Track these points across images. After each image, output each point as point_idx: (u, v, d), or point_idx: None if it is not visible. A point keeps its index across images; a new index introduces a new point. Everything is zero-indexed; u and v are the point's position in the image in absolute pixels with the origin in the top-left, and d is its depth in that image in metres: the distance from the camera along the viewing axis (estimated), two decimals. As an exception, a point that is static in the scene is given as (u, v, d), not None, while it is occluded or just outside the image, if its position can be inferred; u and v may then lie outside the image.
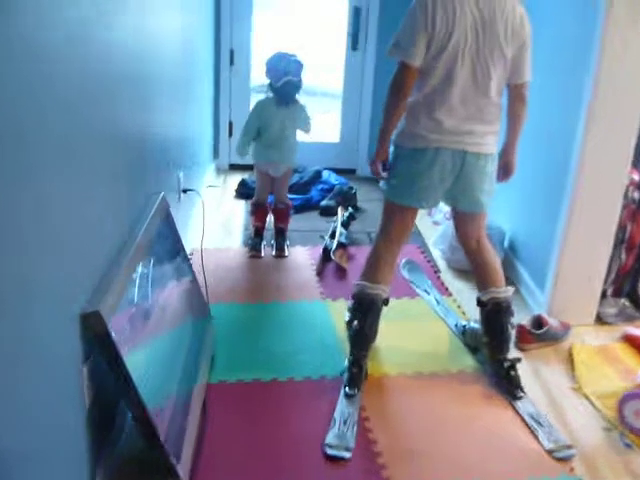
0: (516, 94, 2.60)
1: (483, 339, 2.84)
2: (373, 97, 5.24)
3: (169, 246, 2.64)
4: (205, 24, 4.58)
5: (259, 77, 5.28)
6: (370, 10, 5.08)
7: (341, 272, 3.71)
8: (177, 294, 2.69)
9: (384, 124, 2.58)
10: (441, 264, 3.94)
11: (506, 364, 2.76)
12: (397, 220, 2.73)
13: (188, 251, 3.74)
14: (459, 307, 3.43)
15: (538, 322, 3.15)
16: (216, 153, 5.29)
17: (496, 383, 2.79)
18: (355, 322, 2.70)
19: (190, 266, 2.92)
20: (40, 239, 1.43)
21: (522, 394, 2.70)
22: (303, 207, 4.56)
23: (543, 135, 3.35)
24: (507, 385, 2.74)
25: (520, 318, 3.09)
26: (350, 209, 4.28)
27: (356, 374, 2.67)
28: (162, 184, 2.98)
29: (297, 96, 3.71)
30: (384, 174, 2.68)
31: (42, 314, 1.47)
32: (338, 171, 5.23)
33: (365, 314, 2.70)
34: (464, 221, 2.77)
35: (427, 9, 2.39)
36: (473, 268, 2.86)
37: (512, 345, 2.86)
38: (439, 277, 3.75)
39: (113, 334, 1.78)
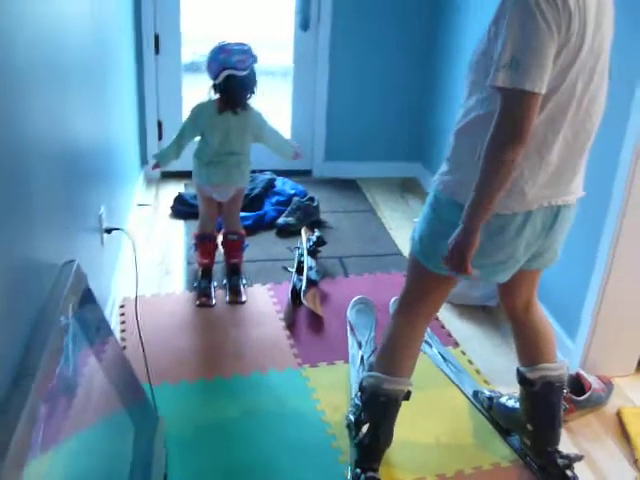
0: None
1: (526, 425, 2.14)
2: (329, 85, 4.43)
3: (89, 346, 1.83)
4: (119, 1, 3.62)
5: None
6: (322, -18, 4.21)
7: (316, 319, 2.93)
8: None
9: (488, 193, 1.61)
10: (434, 296, 3.20)
11: (561, 461, 2.08)
12: (434, 292, 1.99)
13: (119, 302, 2.93)
14: (470, 362, 2.72)
15: (577, 382, 2.49)
16: (144, 160, 4.39)
17: (545, 482, 2.12)
18: (366, 426, 1.98)
19: (123, 358, 2.10)
20: None
21: (584, 503, 2.03)
22: (256, 227, 3.73)
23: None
24: (563, 490, 2.06)
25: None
26: (317, 231, 3.48)
27: (367, 499, 1.94)
28: (74, 232, 2.14)
29: (249, 99, 2.87)
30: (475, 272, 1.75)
31: None
32: (290, 173, 4.43)
33: (381, 417, 2.00)
34: (517, 279, 1.99)
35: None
36: (517, 337, 2.15)
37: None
38: (437, 317, 3.01)
39: None
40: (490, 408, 2.38)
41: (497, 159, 1.57)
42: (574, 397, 2.42)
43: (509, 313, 2.12)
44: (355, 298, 3.01)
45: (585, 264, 2.59)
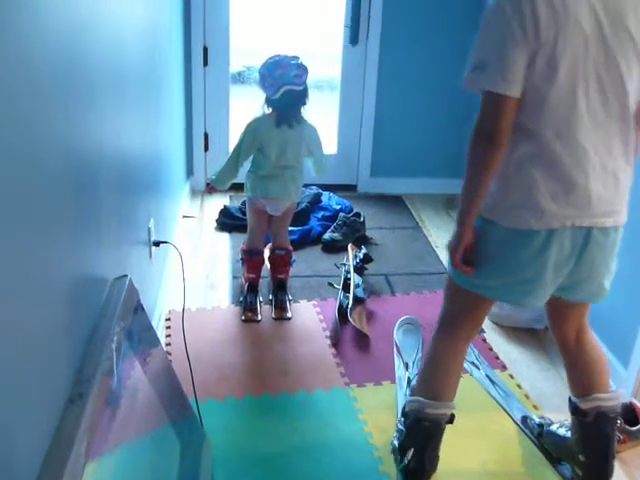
0: None
1: (578, 456, 2.08)
2: (376, 100, 4.42)
3: (136, 358, 1.83)
4: (171, 13, 3.65)
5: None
6: (372, -3, 4.20)
7: (362, 338, 2.90)
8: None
9: (469, 193, 1.73)
10: (481, 318, 3.15)
11: (615, 497, 2.01)
12: (470, 313, 1.98)
13: (164, 314, 2.93)
14: (519, 386, 2.66)
15: (630, 412, 2.42)
16: (190, 171, 4.42)
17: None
18: (410, 452, 1.95)
19: (171, 372, 2.10)
20: None
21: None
22: (302, 241, 3.72)
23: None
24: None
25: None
26: (363, 248, 3.46)
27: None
28: (125, 246, 2.14)
29: (303, 111, 2.87)
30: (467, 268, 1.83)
31: None
32: (335, 187, 4.42)
33: (425, 442, 1.96)
34: (565, 310, 1.99)
35: (521, 3, 1.55)
36: (569, 367, 2.09)
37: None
38: (484, 339, 2.96)
39: None
40: (540, 435, 2.33)
41: (470, 157, 1.69)
42: (627, 427, 2.35)
43: (560, 343, 2.07)
44: (402, 318, 2.98)
45: (639, 290, 2.52)
